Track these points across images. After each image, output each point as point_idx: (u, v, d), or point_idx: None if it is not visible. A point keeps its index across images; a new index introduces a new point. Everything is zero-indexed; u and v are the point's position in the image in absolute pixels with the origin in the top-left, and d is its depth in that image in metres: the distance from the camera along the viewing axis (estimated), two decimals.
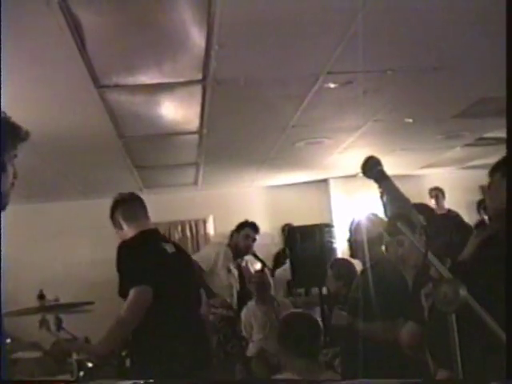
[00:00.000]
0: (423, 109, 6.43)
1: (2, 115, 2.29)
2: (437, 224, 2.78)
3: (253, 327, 7.15)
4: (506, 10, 2.37)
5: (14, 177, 2.36)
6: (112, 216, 4.80)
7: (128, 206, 4.70)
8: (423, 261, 2.21)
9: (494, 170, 2.69)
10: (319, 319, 6.69)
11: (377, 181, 2.67)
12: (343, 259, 6.11)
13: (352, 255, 5.00)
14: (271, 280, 7.31)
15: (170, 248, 4.56)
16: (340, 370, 5.12)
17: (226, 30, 3.93)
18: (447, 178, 10.55)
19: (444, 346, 2.09)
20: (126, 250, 4.37)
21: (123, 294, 4.25)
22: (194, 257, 7.00)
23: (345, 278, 5.51)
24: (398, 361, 3.90)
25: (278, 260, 9.86)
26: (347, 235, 4.87)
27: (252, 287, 7.35)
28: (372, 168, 2.70)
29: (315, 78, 5.00)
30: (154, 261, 4.28)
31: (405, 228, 2.35)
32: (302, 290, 7.91)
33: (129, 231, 4.60)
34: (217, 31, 3.91)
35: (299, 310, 5.36)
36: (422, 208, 3.23)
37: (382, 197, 2.51)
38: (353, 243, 4.74)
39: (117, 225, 4.74)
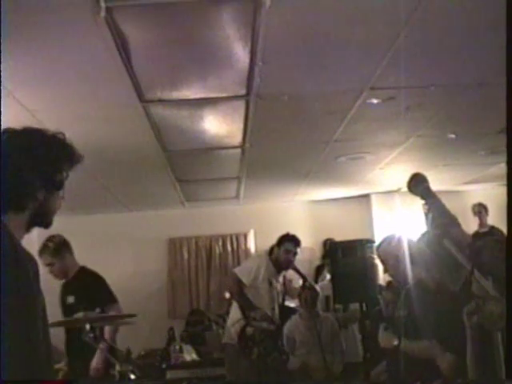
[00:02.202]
0: (466, 124, 6.38)
1: (61, 136, 2.37)
2: (479, 242, 2.76)
3: (296, 341, 7.14)
4: (506, 9, 2.35)
5: (62, 197, 2.42)
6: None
7: None
8: (469, 278, 2.20)
9: None
10: (359, 335, 6.72)
11: (423, 198, 2.66)
12: None
13: (390, 273, 4.94)
14: (319, 295, 7.30)
15: None
16: None
17: (270, 46, 3.96)
18: (490, 194, 10.42)
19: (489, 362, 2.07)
20: None
21: None
22: (235, 270, 7.02)
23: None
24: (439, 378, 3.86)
25: (319, 275, 9.84)
26: (383, 253, 4.78)
27: (301, 301, 7.34)
28: (418, 185, 2.69)
29: (358, 93, 5.01)
30: None
31: (452, 246, 2.34)
32: (340, 306, 7.87)
33: None
34: (261, 47, 3.95)
35: None
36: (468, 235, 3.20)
37: (427, 214, 2.49)
38: (392, 260, 4.67)
39: None
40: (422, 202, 2.63)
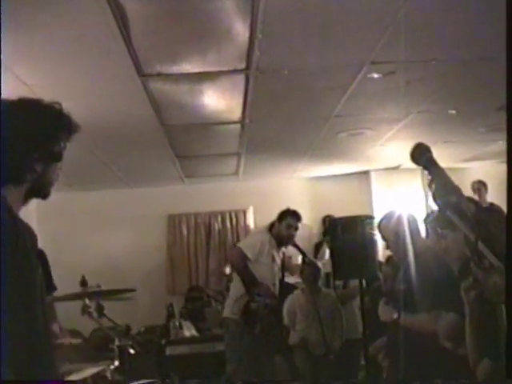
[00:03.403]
0: (467, 100, 6.35)
1: (58, 106, 2.35)
2: (481, 215, 2.74)
3: (296, 316, 7.15)
4: (506, 10, 2.32)
5: (60, 168, 2.41)
6: None
7: None
8: (473, 249, 2.18)
9: None
10: (358, 312, 6.72)
11: (426, 168, 2.62)
12: None
13: (392, 251, 4.95)
14: (321, 270, 7.30)
15: None
16: (386, 363, 5.09)
17: (270, 20, 3.93)
18: (490, 172, 10.40)
19: (491, 336, 2.06)
20: None
21: None
22: (240, 245, 7.00)
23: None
24: (439, 354, 3.87)
25: (318, 251, 9.84)
26: (384, 229, 4.79)
27: (302, 277, 7.34)
28: (421, 155, 2.66)
29: (358, 67, 4.97)
30: None
31: (455, 216, 2.32)
32: (339, 282, 7.88)
33: None
34: (260, 21, 3.91)
35: None
36: (472, 200, 3.18)
37: (430, 184, 2.46)
38: (393, 237, 4.68)
39: None
40: (425, 172, 2.60)
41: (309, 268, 7.29)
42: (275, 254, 6.87)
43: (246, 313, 6.51)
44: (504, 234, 2.26)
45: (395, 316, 4.47)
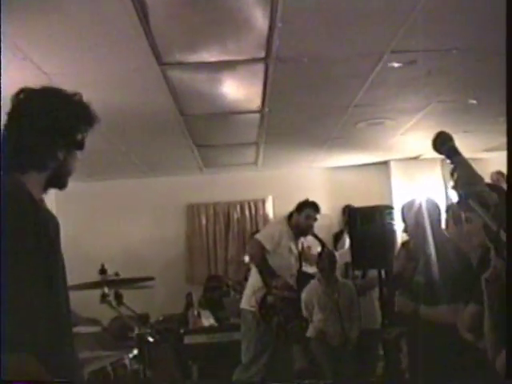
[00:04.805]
0: (487, 90, 6.28)
1: (78, 96, 2.38)
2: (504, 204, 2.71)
3: (314, 307, 7.14)
4: (506, 9, 2.29)
5: (78, 159, 2.45)
6: None
7: None
8: (494, 239, 2.16)
9: None
10: (377, 302, 6.71)
11: (448, 157, 2.59)
12: None
13: (412, 241, 4.94)
14: (338, 260, 7.29)
15: None
16: (406, 350, 5.09)
17: (290, 8, 3.90)
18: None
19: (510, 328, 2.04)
20: None
21: None
22: (258, 236, 6.98)
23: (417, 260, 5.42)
24: (458, 346, 3.85)
25: (338, 241, 9.83)
26: (402, 224, 4.78)
27: (319, 267, 7.33)
28: (444, 143, 2.63)
29: (379, 56, 4.94)
30: None
31: (477, 205, 2.30)
32: (358, 273, 7.86)
33: None
34: (280, 9, 3.89)
35: None
36: (495, 187, 3.15)
37: (452, 173, 2.43)
38: (414, 228, 4.65)
39: None
40: (447, 161, 2.57)
41: (325, 258, 7.29)
42: (293, 244, 6.85)
43: (264, 306, 6.49)
44: None
45: (411, 307, 4.46)
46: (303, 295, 7.12)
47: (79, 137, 2.38)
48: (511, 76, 2.29)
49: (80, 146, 2.40)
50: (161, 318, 8.95)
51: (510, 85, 2.28)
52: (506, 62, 2.30)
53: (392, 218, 6.52)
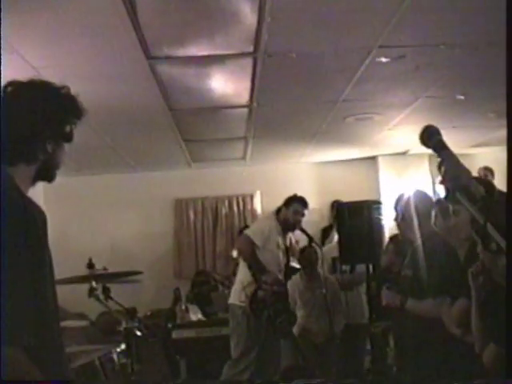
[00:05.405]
0: (476, 85, 6.31)
1: (66, 89, 2.38)
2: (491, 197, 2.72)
3: (296, 302, 7.15)
4: (506, 9, 2.30)
5: (66, 152, 2.46)
6: None
7: None
8: (481, 232, 2.17)
9: None
10: (365, 296, 6.73)
11: (436, 150, 2.59)
12: None
13: (401, 233, 4.95)
14: (320, 256, 7.28)
15: None
16: (393, 344, 5.12)
17: (278, 2, 3.90)
18: (498, 158, 10.33)
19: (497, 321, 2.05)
20: None
21: None
22: (247, 232, 6.98)
23: (404, 254, 5.44)
24: (445, 339, 3.86)
25: (326, 236, 9.84)
26: (394, 213, 4.81)
27: (300, 262, 7.34)
28: (431, 137, 2.63)
29: (367, 51, 4.94)
30: None
31: (464, 199, 2.31)
32: (347, 268, 7.88)
33: None
34: (269, 3, 3.89)
35: None
36: (483, 181, 3.16)
37: (440, 167, 2.44)
38: (401, 221, 4.68)
39: None
40: (435, 154, 2.57)
41: (307, 254, 7.30)
42: (281, 239, 6.86)
43: (254, 301, 6.50)
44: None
45: (398, 301, 4.47)
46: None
47: (67, 129, 2.38)
48: (511, 73, 2.29)
49: (68, 138, 2.40)
50: (149, 313, 8.93)
51: (510, 82, 2.28)
52: (506, 62, 2.30)
53: (380, 213, 6.55)
